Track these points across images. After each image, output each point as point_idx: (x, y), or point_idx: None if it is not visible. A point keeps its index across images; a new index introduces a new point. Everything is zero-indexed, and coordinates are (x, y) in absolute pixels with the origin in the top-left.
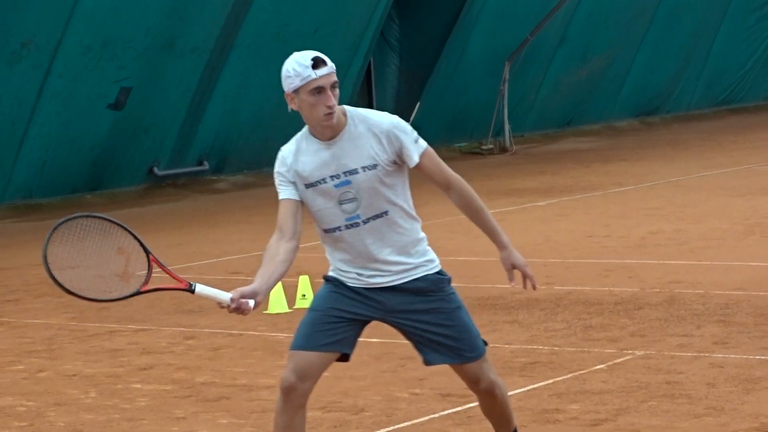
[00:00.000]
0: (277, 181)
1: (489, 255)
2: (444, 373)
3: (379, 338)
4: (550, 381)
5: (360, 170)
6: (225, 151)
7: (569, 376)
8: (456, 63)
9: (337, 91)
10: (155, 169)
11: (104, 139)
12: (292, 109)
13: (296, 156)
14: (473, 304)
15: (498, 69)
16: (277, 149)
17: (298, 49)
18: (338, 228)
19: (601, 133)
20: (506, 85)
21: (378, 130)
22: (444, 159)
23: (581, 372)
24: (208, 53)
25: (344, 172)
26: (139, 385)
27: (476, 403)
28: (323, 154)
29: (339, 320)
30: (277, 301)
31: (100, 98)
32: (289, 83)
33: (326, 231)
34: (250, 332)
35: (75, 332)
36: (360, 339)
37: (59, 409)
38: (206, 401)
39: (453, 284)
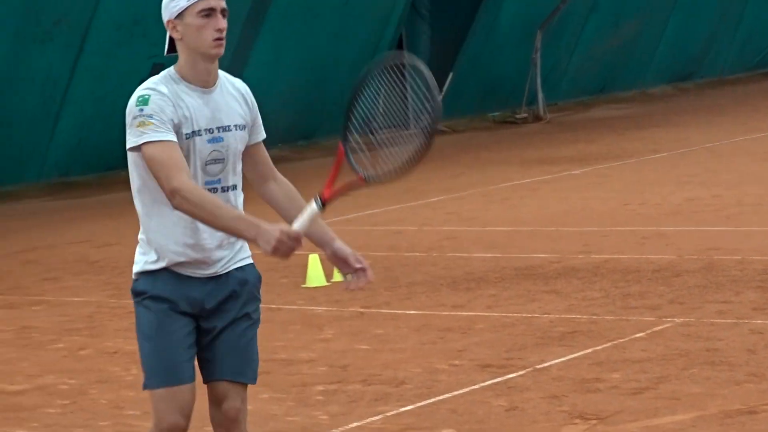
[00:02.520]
0: (156, 120)
1: (525, 224)
2: (484, 344)
3: (417, 310)
4: (590, 350)
5: (233, 128)
6: None
7: (608, 345)
8: (488, 32)
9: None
10: None
11: None
12: (167, 52)
13: (175, 99)
14: (510, 274)
15: (530, 37)
16: (313, 123)
17: (330, 22)
18: None
19: (634, 99)
20: (539, 54)
21: (243, 90)
22: (478, 129)
23: (621, 340)
24: (240, 27)
25: (218, 128)
26: None
27: (516, 374)
28: (197, 102)
29: (186, 339)
30: (315, 275)
31: (132, 75)
32: (172, 7)
33: None
34: (288, 306)
35: (115, 309)
36: (399, 311)
37: (101, 387)
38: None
39: (491, 254)
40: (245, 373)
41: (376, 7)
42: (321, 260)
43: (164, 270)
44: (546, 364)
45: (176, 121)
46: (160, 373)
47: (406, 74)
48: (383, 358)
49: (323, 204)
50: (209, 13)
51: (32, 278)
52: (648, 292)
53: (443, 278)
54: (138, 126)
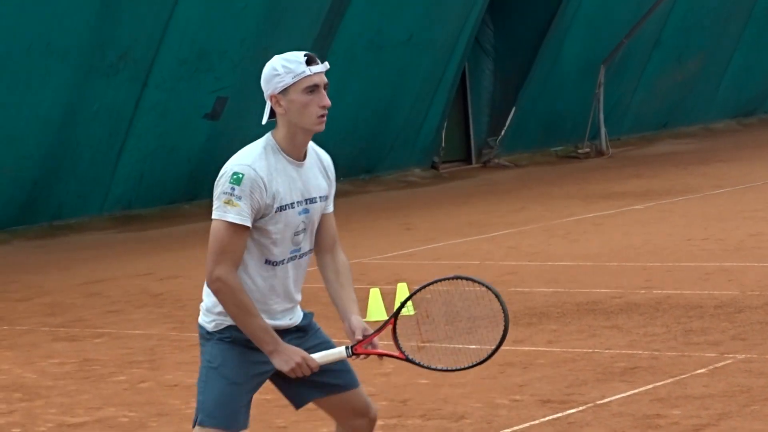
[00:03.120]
0: (242, 204)
1: (587, 259)
2: (545, 379)
3: (477, 344)
4: (651, 386)
5: (318, 199)
6: None
7: (670, 380)
8: (550, 67)
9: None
10: None
11: (201, 149)
12: (268, 120)
13: (270, 174)
14: (572, 309)
15: (593, 73)
16: (375, 157)
17: (393, 57)
18: (282, 261)
19: (698, 134)
20: (602, 89)
21: (326, 163)
22: (540, 164)
23: (682, 376)
24: None
25: (307, 199)
26: None
27: (577, 409)
28: (293, 175)
29: (258, 385)
30: (376, 308)
31: (196, 109)
32: (276, 82)
33: (270, 262)
34: (347, 341)
35: (175, 342)
36: (459, 345)
37: (161, 420)
38: (306, 410)
39: (552, 288)
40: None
41: (439, 43)
42: (382, 294)
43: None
44: (606, 400)
45: (263, 204)
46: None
47: (485, 297)
48: (443, 392)
49: (352, 354)
50: (314, 89)
51: (95, 310)
52: (710, 328)
53: None
54: (225, 202)
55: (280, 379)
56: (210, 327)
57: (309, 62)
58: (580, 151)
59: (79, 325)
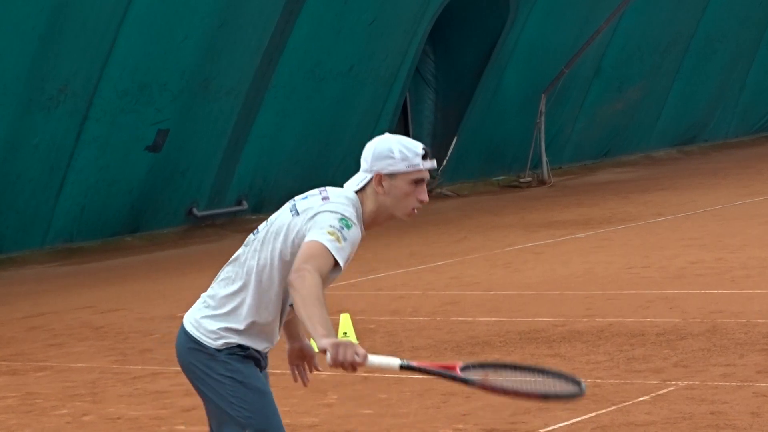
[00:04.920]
0: (346, 246)
1: (528, 288)
2: (488, 408)
3: (421, 375)
4: (593, 414)
5: None
6: (263, 190)
7: (612, 408)
8: (491, 97)
9: None
10: (194, 210)
11: (143, 181)
12: (363, 187)
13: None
14: (514, 338)
15: (534, 102)
16: (315, 188)
17: (335, 88)
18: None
19: (638, 163)
20: (543, 118)
21: None
22: (482, 193)
23: (625, 404)
24: (244, 94)
25: None
26: (183, 427)
27: None
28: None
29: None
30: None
31: (137, 141)
32: (389, 164)
33: (284, 300)
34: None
35: (118, 375)
36: (403, 376)
37: None
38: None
39: (495, 318)
40: None
41: (380, 73)
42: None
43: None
44: (549, 428)
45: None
46: None
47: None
48: (386, 422)
49: (405, 366)
50: (419, 182)
51: (37, 344)
52: (652, 356)
53: (447, 342)
54: (332, 234)
55: None
56: (217, 345)
57: (425, 156)
58: (521, 180)
59: (20, 359)
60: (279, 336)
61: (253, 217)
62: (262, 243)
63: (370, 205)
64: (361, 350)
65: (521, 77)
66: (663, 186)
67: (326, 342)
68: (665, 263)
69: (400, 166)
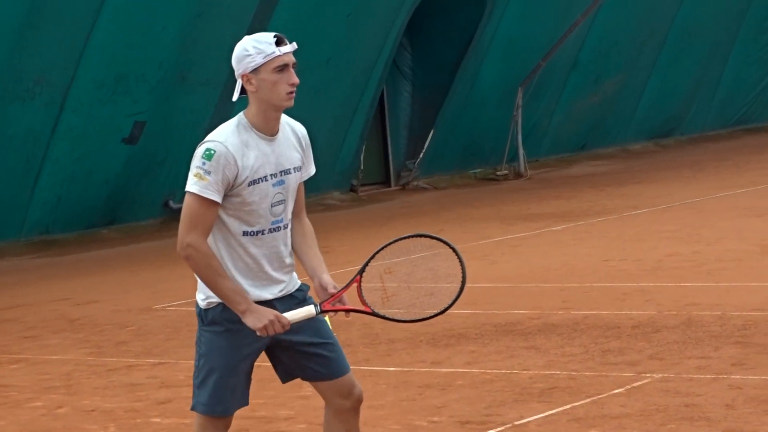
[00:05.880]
0: (211, 178)
1: (505, 281)
2: (463, 400)
3: (396, 367)
4: (569, 406)
5: (292, 170)
6: None
7: (587, 400)
8: (469, 90)
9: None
10: (170, 203)
11: (119, 173)
12: (239, 96)
13: (241, 149)
14: (490, 330)
15: (511, 95)
16: None
17: (312, 79)
18: (263, 231)
19: (615, 156)
20: (520, 111)
21: (301, 134)
22: (459, 186)
23: (599, 396)
24: (221, 86)
25: (281, 171)
26: (158, 419)
27: (495, 430)
28: (265, 149)
29: (252, 363)
30: None
31: (114, 133)
32: (248, 62)
33: (248, 233)
34: (267, 364)
35: (93, 367)
36: (378, 368)
37: None
38: None
39: (471, 310)
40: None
41: (357, 65)
42: None
43: None
44: (524, 420)
45: (233, 178)
46: None
47: (447, 255)
48: (362, 415)
49: (321, 311)
50: (283, 68)
51: (11, 336)
52: (627, 348)
53: (423, 335)
54: (196, 176)
55: (273, 354)
56: (203, 304)
57: (278, 43)
58: (498, 173)
59: None
60: (288, 276)
61: None
62: None
63: (253, 108)
64: (284, 319)
65: (498, 70)
66: (640, 179)
67: (250, 319)
68: (642, 256)
69: (258, 60)
